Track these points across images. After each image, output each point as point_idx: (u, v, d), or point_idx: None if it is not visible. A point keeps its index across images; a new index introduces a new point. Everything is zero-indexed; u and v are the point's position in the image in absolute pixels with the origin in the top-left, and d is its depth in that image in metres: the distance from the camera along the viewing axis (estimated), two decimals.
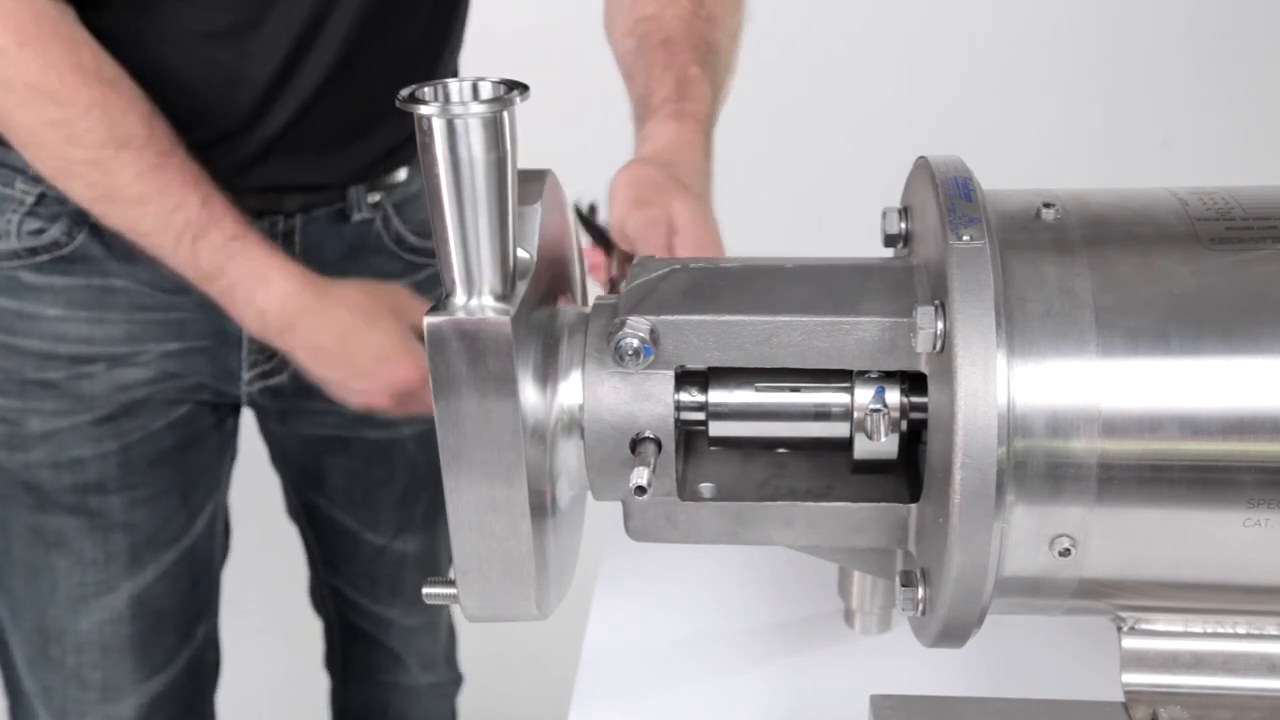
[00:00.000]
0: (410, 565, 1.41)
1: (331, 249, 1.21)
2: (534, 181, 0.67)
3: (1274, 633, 0.63)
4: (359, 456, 1.34)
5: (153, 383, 1.17)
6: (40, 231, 1.11)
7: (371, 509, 1.38)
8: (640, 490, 0.61)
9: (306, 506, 1.42)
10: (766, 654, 0.87)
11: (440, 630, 1.51)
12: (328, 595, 1.50)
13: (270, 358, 1.20)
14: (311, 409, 1.27)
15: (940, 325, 0.57)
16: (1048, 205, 0.62)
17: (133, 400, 1.17)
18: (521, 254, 0.61)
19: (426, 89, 0.56)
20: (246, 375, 1.21)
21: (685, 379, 0.65)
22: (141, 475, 1.19)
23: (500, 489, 0.60)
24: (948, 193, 0.61)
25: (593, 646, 0.88)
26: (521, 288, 0.60)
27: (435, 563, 1.43)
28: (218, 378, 1.19)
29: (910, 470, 0.67)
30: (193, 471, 1.24)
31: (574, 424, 0.64)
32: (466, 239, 0.57)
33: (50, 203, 1.09)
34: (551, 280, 0.67)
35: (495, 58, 1.13)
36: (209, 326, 1.16)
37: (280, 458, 1.41)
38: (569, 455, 0.65)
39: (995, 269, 0.57)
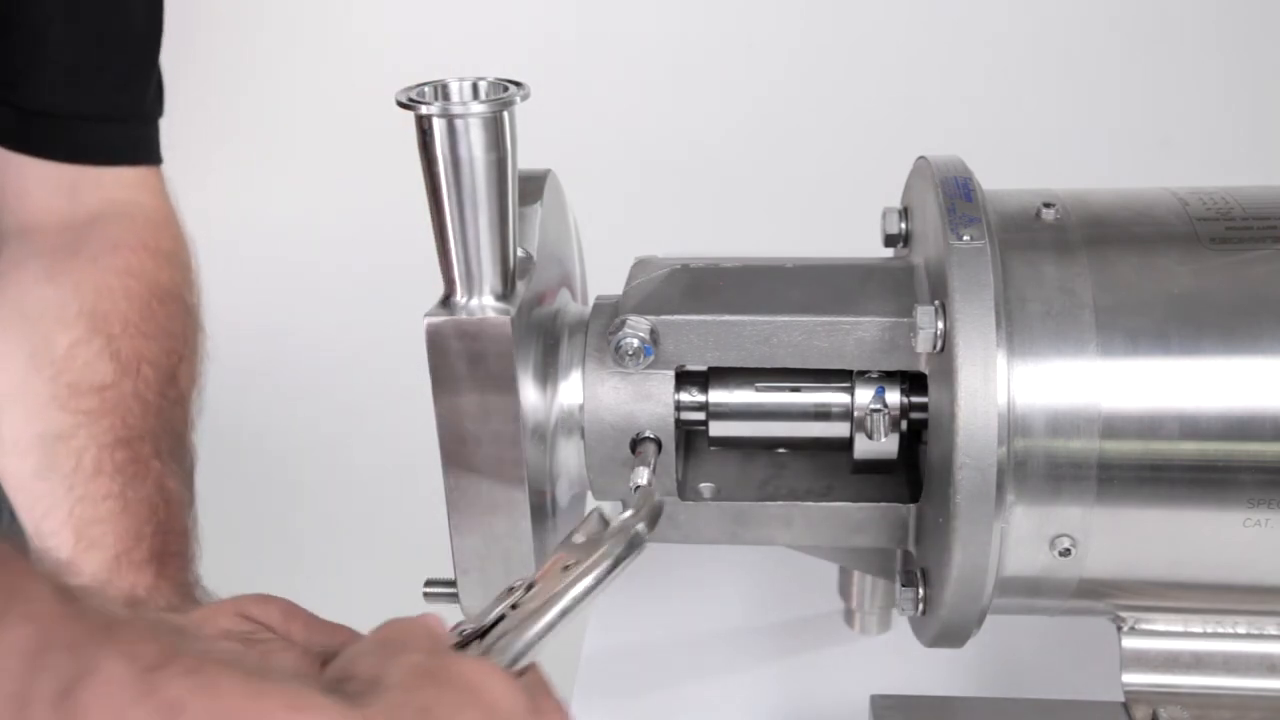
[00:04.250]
0: None
1: None
2: (534, 181, 0.67)
3: (1274, 633, 0.63)
4: None
5: None
6: None
7: None
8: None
9: None
10: (766, 654, 0.87)
11: None
12: None
13: None
14: None
15: (940, 325, 0.57)
16: (1048, 205, 0.62)
17: None
18: (521, 254, 0.61)
19: (426, 88, 0.56)
20: None
21: (685, 379, 0.65)
22: None
23: (500, 489, 0.60)
24: (948, 193, 0.61)
25: (593, 646, 0.88)
26: (522, 288, 0.60)
27: None
28: None
29: (910, 470, 0.67)
30: None
31: (574, 424, 0.64)
32: (467, 239, 0.57)
33: None
34: (551, 280, 0.67)
35: (496, 57, 1.13)
36: None
37: None
38: (569, 455, 0.65)
39: (995, 269, 0.57)
